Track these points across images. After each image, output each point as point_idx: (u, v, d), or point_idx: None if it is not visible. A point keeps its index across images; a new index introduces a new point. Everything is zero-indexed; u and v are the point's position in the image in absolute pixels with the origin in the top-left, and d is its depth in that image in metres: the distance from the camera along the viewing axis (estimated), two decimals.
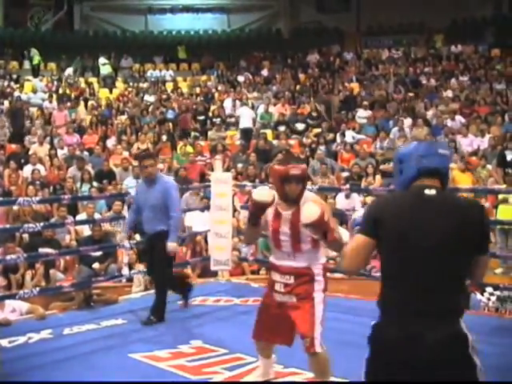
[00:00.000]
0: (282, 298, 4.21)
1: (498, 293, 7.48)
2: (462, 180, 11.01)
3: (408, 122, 15.06)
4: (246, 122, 16.23)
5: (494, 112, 15.17)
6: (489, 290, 7.57)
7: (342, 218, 9.52)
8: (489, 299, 7.57)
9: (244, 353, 5.20)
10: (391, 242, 2.73)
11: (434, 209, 2.71)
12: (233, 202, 8.30)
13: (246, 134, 15.82)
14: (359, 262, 2.85)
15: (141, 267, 8.49)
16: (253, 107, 17.49)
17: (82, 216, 10.21)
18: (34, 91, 18.98)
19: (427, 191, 2.75)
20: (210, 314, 6.75)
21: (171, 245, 6.33)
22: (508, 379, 4.41)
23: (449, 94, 17.11)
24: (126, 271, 8.06)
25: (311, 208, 3.86)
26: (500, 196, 10.08)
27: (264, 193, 4.03)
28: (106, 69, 21.71)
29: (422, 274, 2.67)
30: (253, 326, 4.38)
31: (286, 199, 4.10)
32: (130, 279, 8.45)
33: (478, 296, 7.59)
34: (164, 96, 19.15)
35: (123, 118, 17.07)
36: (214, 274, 8.25)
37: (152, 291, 7.81)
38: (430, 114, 15.66)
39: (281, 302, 4.22)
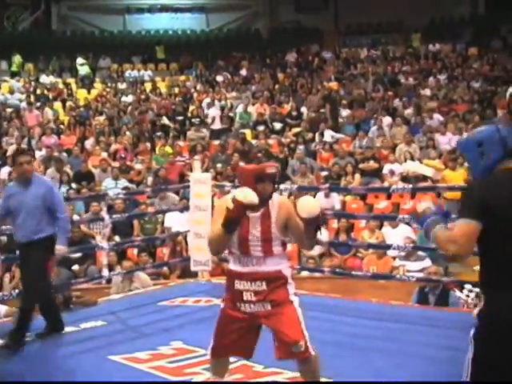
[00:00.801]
0: (253, 308, 3.90)
1: (476, 289, 7.54)
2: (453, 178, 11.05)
3: (387, 120, 15.14)
4: (216, 122, 16.43)
5: (471, 110, 15.27)
6: (468, 286, 7.62)
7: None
8: (468, 296, 7.62)
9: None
10: (507, 226, 2.74)
11: None
12: (212, 203, 8.29)
13: (218, 134, 15.91)
14: (471, 247, 2.82)
15: (120, 268, 8.47)
16: (231, 107, 17.51)
17: None
18: (11, 92, 18.86)
19: None
20: (190, 314, 6.72)
21: (60, 248, 5.68)
22: None
23: (427, 92, 17.20)
24: (105, 273, 8.02)
25: (310, 201, 3.81)
26: None
27: (250, 193, 3.73)
28: (83, 69, 21.67)
29: None
30: (211, 343, 4.01)
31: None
32: (109, 281, 8.42)
33: (457, 293, 7.65)
34: (142, 96, 19.11)
35: (101, 118, 17.01)
36: (194, 274, 8.23)
37: (132, 292, 7.84)
38: (408, 112, 15.73)
39: (250, 313, 3.90)
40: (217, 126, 16.47)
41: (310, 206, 3.73)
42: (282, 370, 4.71)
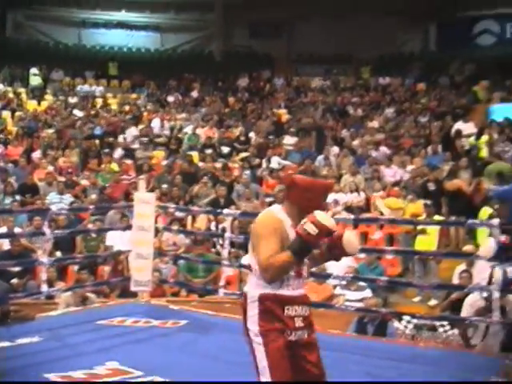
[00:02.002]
0: (299, 336, 3.56)
1: (414, 321, 7.70)
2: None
3: (334, 150, 15.35)
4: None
5: (417, 144, 15.59)
6: (406, 318, 7.78)
7: None
8: (406, 327, 7.78)
9: (160, 376, 5.20)
10: None
11: None
12: (155, 223, 8.31)
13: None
14: None
15: (62, 285, 8.40)
16: (181, 128, 17.54)
17: (1, 229, 10.02)
18: None
19: None
20: (127, 335, 6.67)
21: None
22: None
23: (375, 124, 17.49)
24: (44, 288, 7.95)
25: (354, 238, 3.70)
26: (418, 227, 10.40)
27: (328, 217, 3.42)
28: (36, 80, 21.42)
29: None
30: None
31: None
32: (49, 297, 8.33)
33: (395, 324, 7.80)
34: (93, 112, 19.00)
35: (50, 131, 16.84)
36: (134, 294, 8.21)
37: (73, 309, 7.77)
38: (355, 143, 15.98)
39: (294, 341, 3.54)
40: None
41: (355, 243, 3.64)
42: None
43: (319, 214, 3.38)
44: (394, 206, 11.86)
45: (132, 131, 16.85)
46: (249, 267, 3.73)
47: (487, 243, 4.27)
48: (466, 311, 6.60)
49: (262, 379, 3.48)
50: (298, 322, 3.54)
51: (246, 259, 9.87)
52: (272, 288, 3.51)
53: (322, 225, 3.33)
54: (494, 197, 4.34)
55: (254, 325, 3.53)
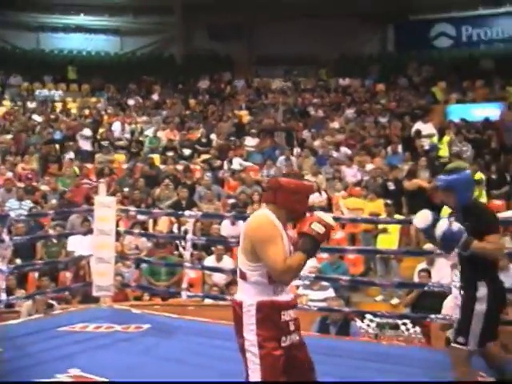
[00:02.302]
0: (292, 339, 3.60)
1: (377, 319, 7.73)
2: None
3: (295, 151, 15.39)
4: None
5: (377, 144, 15.71)
6: (368, 316, 7.82)
7: (227, 244, 9.63)
8: (368, 325, 7.81)
9: (123, 381, 5.16)
10: None
11: None
12: (117, 227, 8.24)
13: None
14: None
15: (22, 292, 8.28)
16: (141, 131, 17.45)
17: None
18: None
19: None
20: (89, 340, 6.59)
21: None
22: None
23: (335, 125, 17.57)
24: (3, 297, 7.82)
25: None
26: (380, 226, 10.47)
27: (328, 216, 3.59)
28: None
29: None
30: None
31: (299, 218, 3.67)
32: (8, 305, 8.19)
33: (358, 323, 7.83)
34: (52, 116, 18.81)
35: (8, 137, 16.61)
36: (96, 299, 8.13)
37: (34, 317, 7.66)
38: (316, 144, 16.03)
39: (288, 346, 3.58)
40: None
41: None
42: None
43: (321, 214, 3.58)
44: (351, 207, 11.93)
45: (85, 132, 16.70)
46: (241, 274, 3.65)
47: (424, 215, 4.47)
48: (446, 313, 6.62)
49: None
50: (292, 326, 3.58)
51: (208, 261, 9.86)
52: (268, 295, 3.53)
53: (326, 223, 3.50)
54: (439, 187, 4.47)
55: (251, 334, 3.51)
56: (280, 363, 3.48)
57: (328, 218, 3.55)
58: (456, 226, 4.25)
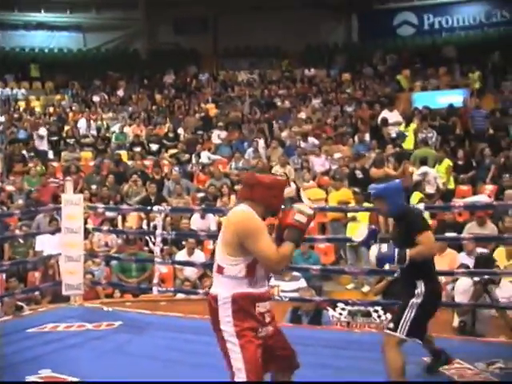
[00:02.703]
0: (267, 330, 3.71)
1: (349, 307, 7.74)
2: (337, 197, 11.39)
3: (262, 142, 15.37)
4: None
5: (344, 133, 15.74)
6: (340, 305, 7.82)
7: (197, 238, 9.59)
8: (340, 314, 7.81)
9: (96, 381, 5.10)
10: None
11: None
12: (85, 224, 8.14)
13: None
14: None
15: None
16: (108, 127, 17.31)
17: None
18: None
19: None
20: (60, 340, 6.50)
21: None
22: None
23: (302, 115, 17.58)
24: None
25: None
26: (349, 214, 10.47)
27: (307, 207, 3.78)
28: None
29: None
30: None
31: (275, 212, 3.81)
32: None
33: (330, 312, 7.83)
34: (16, 115, 18.57)
35: None
36: (67, 299, 8.03)
37: (1, 319, 7.52)
38: (284, 135, 16.03)
39: (265, 336, 3.69)
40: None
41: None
42: None
43: (302, 206, 3.77)
44: (313, 197, 11.91)
45: (41, 132, 16.52)
46: (218, 268, 3.70)
47: (360, 229, 4.90)
48: (459, 299, 6.68)
49: (237, 379, 3.54)
50: (267, 318, 3.69)
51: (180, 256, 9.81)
52: (243, 287, 3.61)
53: (308, 214, 3.66)
54: (372, 195, 4.78)
55: (228, 326, 3.60)
56: (259, 351, 3.58)
57: (307, 208, 3.71)
58: (384, 247, 4.54)
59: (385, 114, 15.96)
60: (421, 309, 4.51)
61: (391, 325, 4.58)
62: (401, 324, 4.50)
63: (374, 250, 4.60)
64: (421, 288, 4.54)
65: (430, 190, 11.72)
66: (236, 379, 3.55)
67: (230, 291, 3.60)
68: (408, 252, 4.45)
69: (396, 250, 4.47)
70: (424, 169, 11.94)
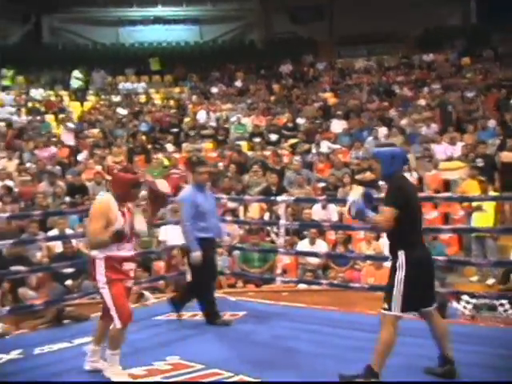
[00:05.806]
0: (131, 283, 5.19)
1: (474, 301, 7.43)
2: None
3: (382, 130, 15.02)
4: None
5: (467, 120, 15.17)
6: (465, 298, 7.51)
7: (319, 228, 9.44)
8: (465, 307, 7.50)
9: (221, 368, 5.12)
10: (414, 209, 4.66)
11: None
12: None
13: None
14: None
15: None
16: (227, 118, 17.39)
17: (53, 232, 9.94)
18: (2, 105, 18.66)
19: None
20: (186, 328, 6.63)
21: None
22: None
23: (422, 102, 17.09)
24: None
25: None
26: (474, 204, 10.01)
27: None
28: (76, 82, 21.36)
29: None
30: (124, 314, 4.90)
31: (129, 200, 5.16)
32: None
33: (454, 304, 7.53)
34: (137, 108, 18.98)
35: (95, 131, 16.82)
36: None
37: (133, 305, 7.62)
38: (403, 122, 15.61)
39: (130, 287, 5.17)
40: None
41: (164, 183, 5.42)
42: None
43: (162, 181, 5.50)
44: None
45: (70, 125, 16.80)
46: None
47: (357, 190, 5.07)
48: None
49: (112, 313, 4.92)
50: (131, 273, 5.13)
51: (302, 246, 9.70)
52: (112, 250, 4.92)
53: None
54: (371, 154, 4.71)
55: (101, 276, 4.93)
56: (123, 290, 4.97)
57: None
58: (358, 201, 4.66)
59: None
60: (407, 281, 4.53)
61: (385, 305, 4.61)
62: (392, 302, 4.56)
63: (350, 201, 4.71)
64: (401, 259, 4.58)
65: None
66: (111, 312, 4.91)
67: (104, 253, 4.91)
68: (371, 215, 4.63)
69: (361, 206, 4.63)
70: None
